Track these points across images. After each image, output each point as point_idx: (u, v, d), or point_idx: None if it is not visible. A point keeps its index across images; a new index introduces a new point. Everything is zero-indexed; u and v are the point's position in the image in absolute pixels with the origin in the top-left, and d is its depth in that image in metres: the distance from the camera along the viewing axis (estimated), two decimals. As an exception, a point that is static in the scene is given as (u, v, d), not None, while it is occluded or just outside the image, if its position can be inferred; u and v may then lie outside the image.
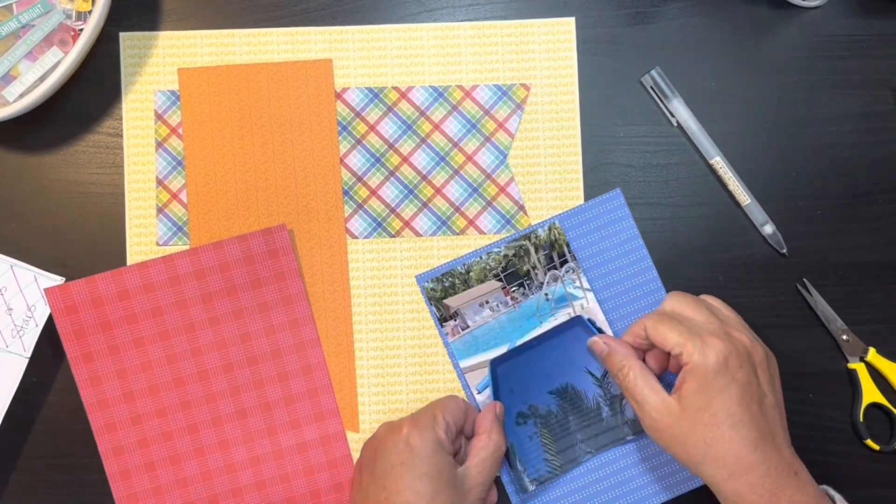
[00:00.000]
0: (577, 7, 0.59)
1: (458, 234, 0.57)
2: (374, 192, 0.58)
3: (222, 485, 0.55)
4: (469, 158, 0.58)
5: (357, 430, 0.56)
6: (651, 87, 0.59)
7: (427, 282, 0.57)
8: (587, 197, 0.58)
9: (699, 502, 0.56)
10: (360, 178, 0.58)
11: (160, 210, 0.57)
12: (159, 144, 0.57)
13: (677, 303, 0.52)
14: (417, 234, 0.57)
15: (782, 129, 0.59)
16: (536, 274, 0.56)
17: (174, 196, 0.57)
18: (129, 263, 0.56)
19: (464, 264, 0.57)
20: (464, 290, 0.57)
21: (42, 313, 0.55)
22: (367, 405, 0.56)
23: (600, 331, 0.56)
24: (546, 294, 0.56)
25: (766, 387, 0.49)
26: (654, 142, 0.59)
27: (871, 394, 0.57)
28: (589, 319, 0.56)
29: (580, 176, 0.58)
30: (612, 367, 0.52)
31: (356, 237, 0.57)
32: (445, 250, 0.57)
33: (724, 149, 0.58)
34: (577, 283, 0.56)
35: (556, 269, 0.56)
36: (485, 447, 0.52)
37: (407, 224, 0.58)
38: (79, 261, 0.56)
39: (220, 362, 0.56)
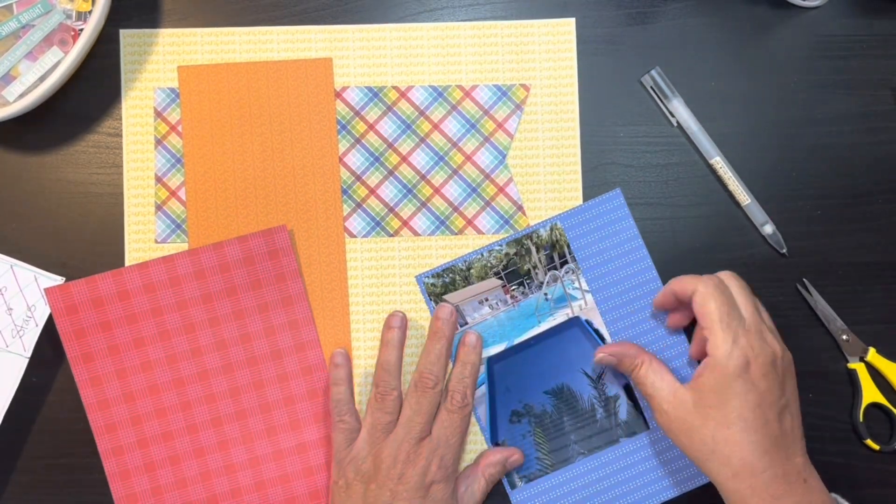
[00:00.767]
0: (577, 7, 0.59)
1: (456, 233, 0.57)
2: (372, 192, 0.58)
3: (221, 485, 0.55)
4: (468, 158, 0.58)
5: (356, 429, 0.56)
6: (651, 87, 0.59)
7: (427, 277, 0.57)
8: (586, 197, 0.58)
9: (696, 502, 0.56)
10: (358, 178, 0.58)
11: (159, 207, 0.57)
12: (158, 142, 0.57)
13: (735, 284, 0.51)
14: (416, 234, 0.57)
15: (782, 129, 0.59)
16: (537, 273, 0.57)
17: (173, 193, 0.57)
18: (127, 260, 0.56)
19: (465, 261, 0.57)
20: (464, 286, 0.57)
21: (42, 313, 0.55)
22: (365, 404, 0.56)
23: (598, 332, 0.56)
24: (545, 294, 0.57)
25: (791, 395, 0.49)
26: (654, 142, 0.59)
27: (871, 394, 0.57)
28: (587, 321, 0.56)
29: (579, 177, 0.58)
30: (624, 370, 0.53)
31: (354, 236, 0.57)
32: (444, 250, 0.57)
33: (724, 149, 0.58)
34: (577, 285, 0.57)
35: (556, 269, 0.57)
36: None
37: (405, 223, 0.58)
38: (79, 261, 0.56)
39: (220, 363, 0.56)
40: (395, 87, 0.58)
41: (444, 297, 0.57)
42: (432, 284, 0.57)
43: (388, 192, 0.58)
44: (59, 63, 0.54)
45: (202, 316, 0.55)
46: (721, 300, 0.48)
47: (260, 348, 0.56)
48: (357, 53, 0.58)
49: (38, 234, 0.56)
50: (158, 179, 0.57)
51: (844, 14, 0.60)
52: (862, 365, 0.57)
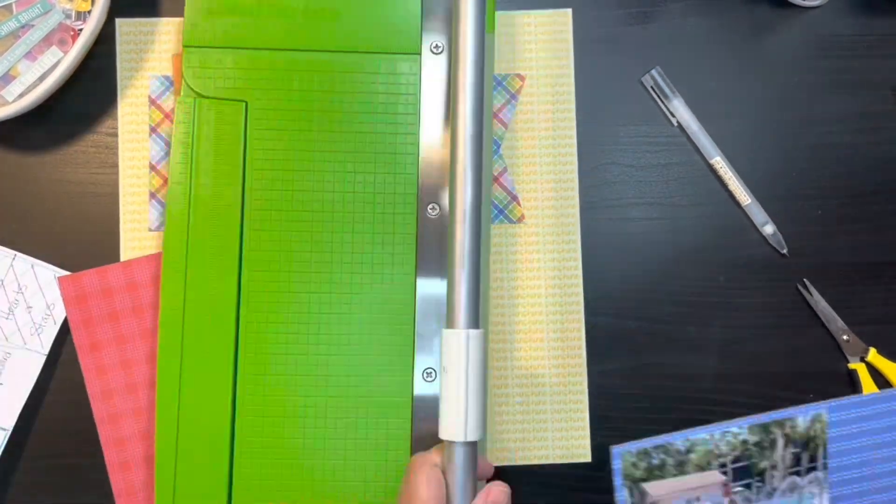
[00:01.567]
0: (577, 7, 0.59)
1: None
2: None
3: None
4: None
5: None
6: (651, 87, 0.59)
7: (630, 453, 0.44)
8: (582, 190, 0.58)
9: None
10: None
11: (152, 195, 0.57)
12: (153, 129, 0.57)
13: None
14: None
15: (782, 129, 0.59)
16: (773, 477, 0.44)
17: (167, 181, 0.57)
18: (122, 248, 0.56)
19: (687, 439, 0.44)
20: (675, 475, 0.44)
21: (60, 312, 0.55)
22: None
23: None
24: None
25: None
26: (654, 142, 0.59)
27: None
28: None
29: (575, 168, 0.58)
30: None
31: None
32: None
33: (724, 149, 0.58)
34: (816, 501, 0.43)
35: (798, 475, 0.43)
36: None
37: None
38: (78, 261, 0.56)
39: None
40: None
41: (645, 485, 0.44)
42: (633, 464, 0.44)
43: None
44: (59, 63, 0.54)
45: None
46: None
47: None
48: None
49: (37, 234, 0.56)
50: (152, 167, 0.57)
51: (844, 14, 0.60)
52: (862, 365, 0.57)
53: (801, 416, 0.43)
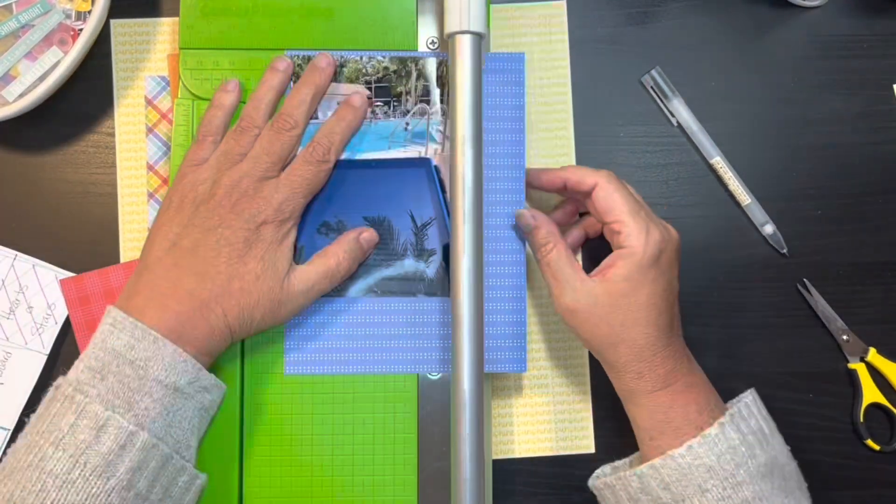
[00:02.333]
0: (578, 6, 0.59)
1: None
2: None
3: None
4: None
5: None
6: (651, 87, 0.59)
7: (297, 56, 0.53)
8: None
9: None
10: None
11: (151, 196, 0.57)
12: (150, 130, 0.57)
13: (616, 180, 0.50)
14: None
15: (782, 129, 0.59)
16: (407, 100, 0.53)
17: (165, 182, 0.57)
18: (122, 249, 0.56)
19: (342, 56, 0.53)
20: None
21: (61, 312, 0.55)
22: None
23: (441, 183, 0.53)
24: (407, 123, 0.53)
25: (677, 277, 0.50)
26: (654, 142, 0.59)
27: (871, 394, 0.57)
28: (436, 167, 0.53)
29: (572, 153, 0.58)
30: (535, 241, 0.51)
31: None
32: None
33: (724, 149, 0.58)
34: (442, 128, 0.53)
35: (427, 103, 0.53)
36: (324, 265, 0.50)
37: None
38: (78, 261, 0.56)
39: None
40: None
41: None
42: (299, 66, 0.53)
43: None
44: (59, 63, 0.54)
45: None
46: (625, 192, 0.49)
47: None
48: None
49: (37, 234, 0.56)
50: (150, 168, 0.57)
51: (844, 14, 0.60)
52: (862, 365, 0.57)
53: (432, 59, 0.54)
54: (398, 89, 0.53)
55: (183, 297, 0.46)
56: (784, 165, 0.59)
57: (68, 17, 0.55)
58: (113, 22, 0.58)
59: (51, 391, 0.44)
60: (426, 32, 0.54)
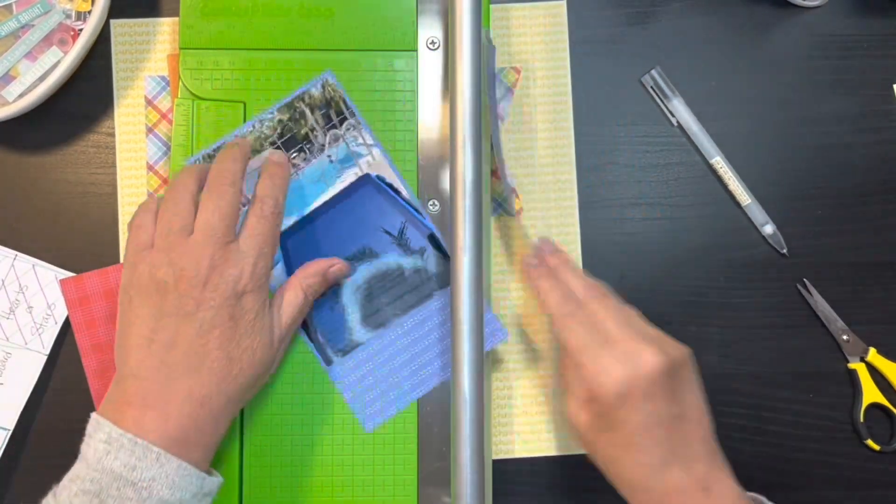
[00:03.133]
0: (577, 6, 0.59)
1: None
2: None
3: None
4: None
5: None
6: (651, 87, 0.59)
7: (198, 161, 0.53)
8: (580, 181, 0.58)
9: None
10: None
11: (151, 196, 0.57)
12: (150, 130, 0.57)
13: (600, 296, 0.48)
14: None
15: (782, 129, 0.59)
16: (316, 136, 0.53)
17: (165, 182, 0.57)
18: (122, 249, 0.56)
19: (235, 136, 0.53)
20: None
21: (61, 312, 0.55)
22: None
23: (391, 186, 0.53)
24: (329, 156, 0.53)
25: (687, 402, 0.45)
26: (654, 142, 0.59)
27: (871, 394, 0.57)
28: (378, 176, 0.53)
29: (572, 160, 0.58)
30: (555, 319, 0.48)
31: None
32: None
33: (724, 149, 0.58)
34: (360, 140, 0.53)
35: (335, 128, 0.53)
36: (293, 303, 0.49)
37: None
38: (79, 261, 0.56)
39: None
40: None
41: None
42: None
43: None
44: (59, 63, 0.54)
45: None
46: (579, 331, 0.46)
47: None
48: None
49: (37, 234, 0.56)
50: (150, 168, 0.57)
51: (844, 14, 0.60)
52: (862, 365, 0.57)
53: (314, 88, 0.53)
54: (302, 132, 0.53)
55: (182, 401, 0.42)
56: (784, 165, 0.59)
57: (68, 17, 0.55)
58: (113, 22, 0.58)
59: None
60: (426, 32, 0.54)
